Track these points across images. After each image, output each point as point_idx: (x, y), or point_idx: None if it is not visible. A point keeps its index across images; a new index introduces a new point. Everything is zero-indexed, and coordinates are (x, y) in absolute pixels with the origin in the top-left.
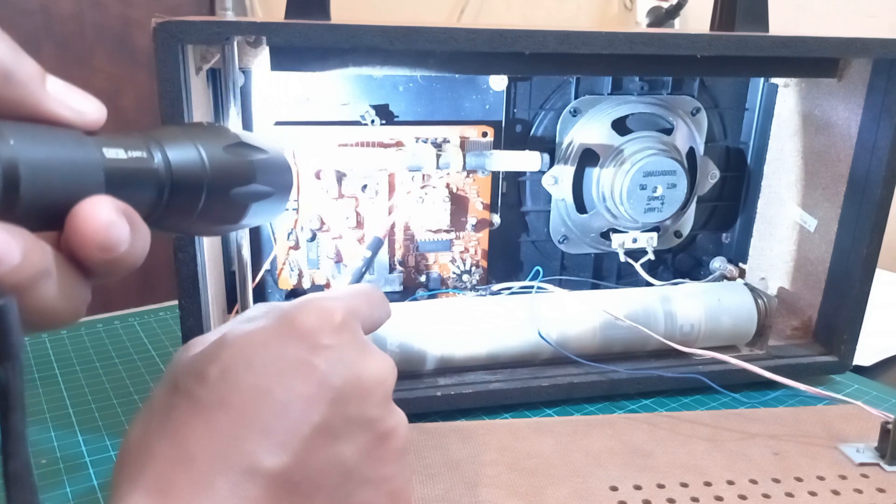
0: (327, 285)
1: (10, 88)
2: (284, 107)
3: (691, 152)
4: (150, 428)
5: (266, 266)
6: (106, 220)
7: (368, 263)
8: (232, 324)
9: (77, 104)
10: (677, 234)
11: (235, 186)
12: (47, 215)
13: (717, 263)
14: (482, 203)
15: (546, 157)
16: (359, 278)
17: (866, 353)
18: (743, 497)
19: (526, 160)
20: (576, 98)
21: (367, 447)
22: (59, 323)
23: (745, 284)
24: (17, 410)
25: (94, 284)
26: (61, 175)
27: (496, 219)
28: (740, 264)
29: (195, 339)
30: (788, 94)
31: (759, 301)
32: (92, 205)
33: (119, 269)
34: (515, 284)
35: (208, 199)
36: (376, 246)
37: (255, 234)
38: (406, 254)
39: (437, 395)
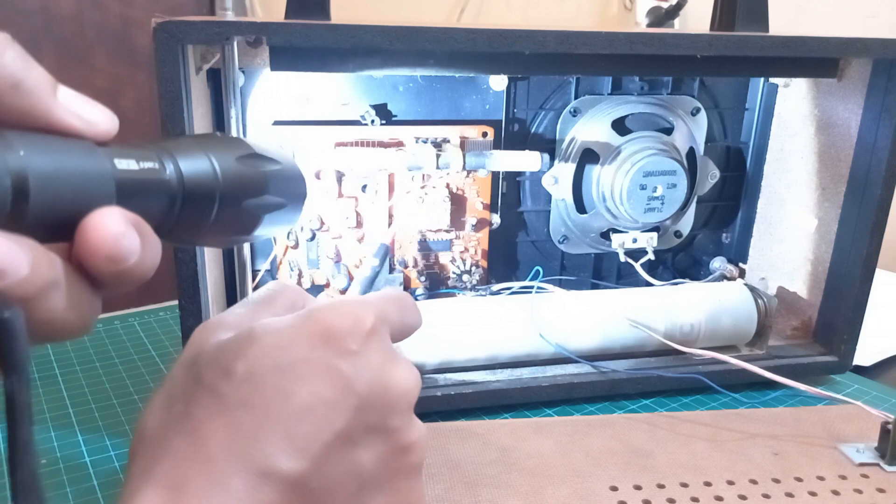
0: (327, 285)
1: (19, 97)
2: (284, 107)
3: (691, 152)
4: (169, 418)
5: (266, 266)
6: (116, 231)
7: (377, 272)
8: (253, 306)
9: (88, 114)
10: (677, 234)
11: (248, 198)
12: (57, 226)
13: (717, 263)
14: (482, 203)
15: (546, 156)
16: (368, 287)
17: (866, 353)
18: (743, 497)
19: (526, 160)
20: (576, 98)
21: (385, 458)
22: (68, 335)
23: (745, 284)
24: (25, 421)
25: (105, 296)
26: (71, 186)
27: (496, 219)
28: (740, 264)
29: (216, 320)
30: (788, 94)
31: (759, 301)
32: (102, 216)
33: (129, 280)
34: (515, 284)
35: (220, 210)
36: (383, 254)
37: None
38: (406, 254)
39: (437, 395)
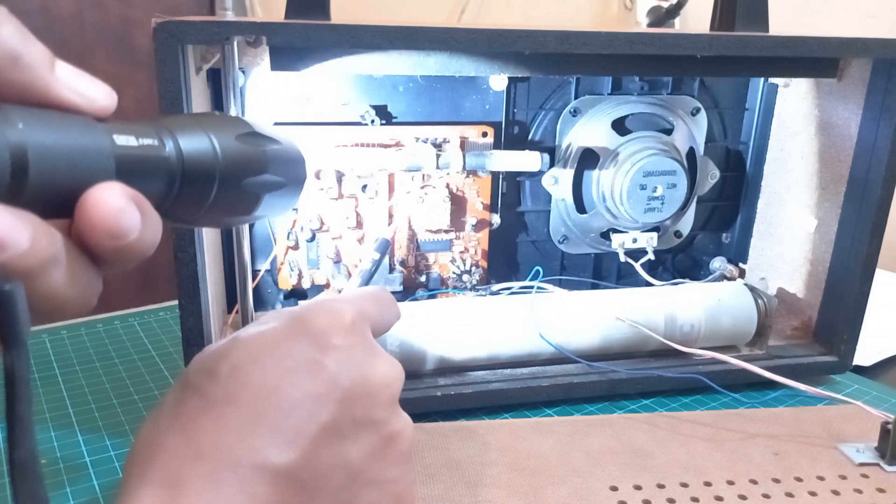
0: (327, 285)
1: (18, 72)
2: (284, 107)
3: (691, 152)
4: (160, 423)
5: (266, 266)
6: (116, 206)
7: (377, 265)
8: (245, 328)
9: (87, 90)
10: (677, 234)
11: (248, 176)
12: (57, 201)
13: (717, 263)
14: (482, 203)
15: (546, 157)
16: (368, 280)
17: (866, 353)
18: (743, 497)
19: (526, 160)
20: (576, 98)
21: (372, 448)
22: (69, 312)
23: (745, 284)
24: (24, 398)
25: (106, 274)
26: (70, 160)
27: (496, 219)
28: (740, 264)
29: (209, 346)
30: (788, 94)
31: (759, 301)
32: (102, 191)
33: (129, 257)
34: (515, 284)
35: (220, 188)
36: (384, 247)
37: (255, 234)
38: (406, 254)
39: (437, 395)
